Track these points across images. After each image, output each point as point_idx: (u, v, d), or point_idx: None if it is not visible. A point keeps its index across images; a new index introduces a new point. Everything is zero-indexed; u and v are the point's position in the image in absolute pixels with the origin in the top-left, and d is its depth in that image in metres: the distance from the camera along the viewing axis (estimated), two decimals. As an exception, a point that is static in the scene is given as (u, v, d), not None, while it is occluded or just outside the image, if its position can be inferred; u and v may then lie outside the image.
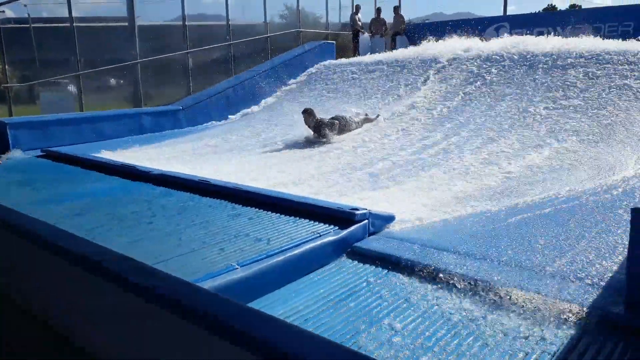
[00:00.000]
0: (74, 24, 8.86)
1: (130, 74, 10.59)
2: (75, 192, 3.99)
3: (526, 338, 1.91)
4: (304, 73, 11.31)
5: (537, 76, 7.79)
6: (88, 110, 9.49)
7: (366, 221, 2.88)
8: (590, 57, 7.84)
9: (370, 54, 12.59)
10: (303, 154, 6.44)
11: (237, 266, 2.26)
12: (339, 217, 2.83)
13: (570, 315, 1.98)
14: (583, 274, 2.22)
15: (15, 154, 6.36)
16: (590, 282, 2.14)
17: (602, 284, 2.12)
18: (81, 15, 9.80)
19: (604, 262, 2.33)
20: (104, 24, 12.72)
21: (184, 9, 10.39)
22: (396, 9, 15.10)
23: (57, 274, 1.80)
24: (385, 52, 12.61)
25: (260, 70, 10.87)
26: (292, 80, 11.06)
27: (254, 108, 10.20)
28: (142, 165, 4.64)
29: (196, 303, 1.28)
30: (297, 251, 2.49)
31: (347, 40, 14.76)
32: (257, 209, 3.15)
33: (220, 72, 11.38)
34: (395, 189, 4.47)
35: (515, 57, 8.54)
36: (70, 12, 8.75)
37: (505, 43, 9.32)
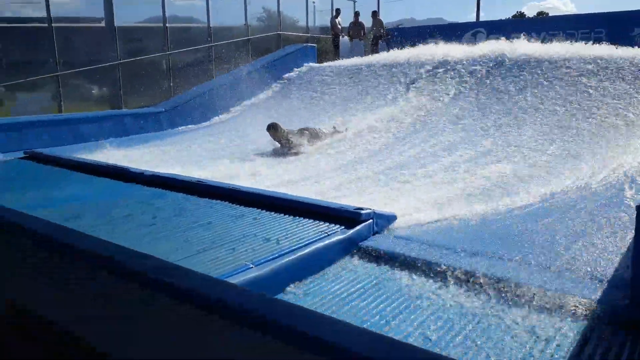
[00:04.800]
0: (52, 24, 8.62)
1: (108, 76, 10.39)
2: (65, 194, 3.89)
3: (537, 334, 1.96)
4: (286, 75, 11.30)
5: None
6: (67, 112, 9.25)
7: (371, 220, 2.90)
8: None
9: (350, 57, 12.67)
10: (275, 163, 6.22)
11: (251, 265, 2.25)
12: (345, 217, 2.85)
13: (581, 309, 2.05)
14: (590, 270, 2.29)
15: (-6, 156, 6.16)
16: (596, 278, 2.22)
17: (608, 279, 2.20)
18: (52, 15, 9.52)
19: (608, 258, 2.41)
20: (75, 25, 12.44)
21: (164, 11, 10.26)
22: (374, 14, 15.26)
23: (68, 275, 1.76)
24: (366, 56, 12.71)
25: (243, 72, 10.82)
26: (275, 83, 11.04)
27: (235, 110, 10.15)
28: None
29: (251, 305, 1.27)
30: (307, 250, 2.49)
31: (326, 43, 14.82)
32: (259, 210, 3.13)
33: (200, 74, 11.26)
34: (387, 190, 4.51)
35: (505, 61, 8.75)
36: (48, 11, 8.53)
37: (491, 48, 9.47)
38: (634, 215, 2.02)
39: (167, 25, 10.34)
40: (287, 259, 2.38)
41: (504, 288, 2.23)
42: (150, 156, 6.71)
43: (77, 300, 1.58)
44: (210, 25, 11.21)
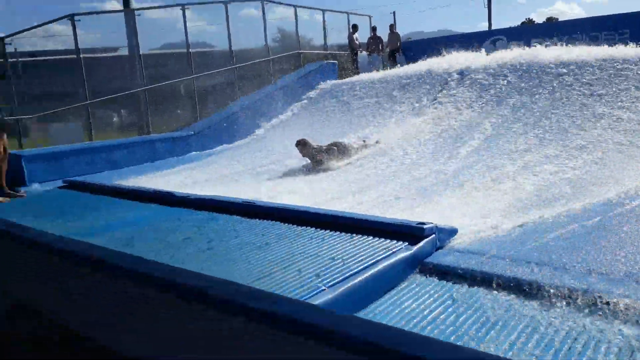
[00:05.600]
0: (80, 55, 8.82)
1: (134, 103, 10.57)
2: (114, 221, 3.90)
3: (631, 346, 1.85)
4: (309, 93, 11.36)
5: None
6: (97, 140, 9.40)
7: (434, 235, 2.83)
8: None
9: (369, 71, 12.69)
10: (309, 180, 6.20)
11: (324, 287, 2.19)
12: (407, 232, 2.78)
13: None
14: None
15: (33, 186, 6.25)
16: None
17: None
18: (67, 47, 9.71)
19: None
20: (99, 55, 12.76)
21: (187, 37, 10.42)
22: (391, 27, 15.37)
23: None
24: (384, 69, 12.72)
25: (267, 92, 10.90)
26: (298, 101, 11.09)
27: (262, 130, 10.19)
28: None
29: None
30: (376, 269, 2.43)
31: (344, 59, 14.86)
32: (314, 229, 3.08)
33: (224, 97, 11.38)
34: (432, 204, 4.43)
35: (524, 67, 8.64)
36: (76, 44, 8.73)
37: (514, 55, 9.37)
38: None
39: (190, 50, 10.48)
40: (358, 279, 2.31)
41: (592, 301, 2.13)
42: (184, 179, 6.75)
43: (184, 338, 1.53)
44: (232, 49, 11.34)
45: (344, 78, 12.31)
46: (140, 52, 9.64)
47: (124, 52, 11.74)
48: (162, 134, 9.20)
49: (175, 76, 10.95)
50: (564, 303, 2.18)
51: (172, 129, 9.94)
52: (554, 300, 2.23)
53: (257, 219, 3.46)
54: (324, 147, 6.84)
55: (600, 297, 2.15)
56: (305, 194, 5.04)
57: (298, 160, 6.84)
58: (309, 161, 6.83)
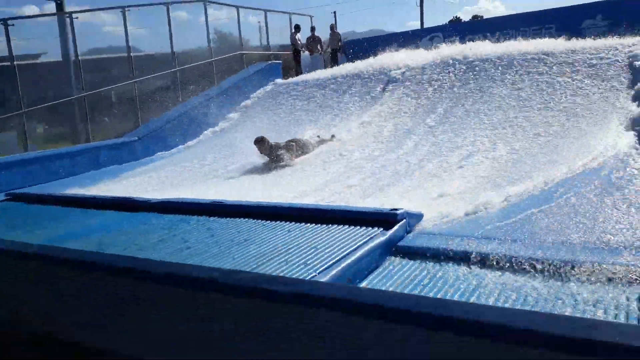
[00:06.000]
0: (14, 62, 8.36)
1: (71, 110, 10.12)
2: (76, 230, 3.77)
3: (595, 304, 2.09)
4: (255, 93, 11.36)
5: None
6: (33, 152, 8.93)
7: (405, 220, 2.99)
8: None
9: (312, 71, 12.85)
10: (269, 178, 6.28)
11: (315, 274, 2.29)
12: (382, 219, 2.93)
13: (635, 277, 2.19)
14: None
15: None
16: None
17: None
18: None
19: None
20: (34, 62, 12.12)
21: (127, 39, 10.12)
22: (332, 27, 15.61)
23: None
24: (325, 68, 12.93)
25: (212, 93, 10.79)
26: (245, 101, 11.07)
27: (209, 132, 10.09)
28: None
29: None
30: (358, 254, 2.54)
31: (287, 60, 14.94)
32: (291, 223, 3.16)
33: (168, 100, 11.13)
34: (392, 193, 4.63)
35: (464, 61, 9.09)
36: (10, 49, 8.26)
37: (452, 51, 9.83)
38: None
39: (131, 54, 10.19)
40: (344, 264, 2.42)
41: (549, 268, 2.36)
42: (135, 186, 6.59)
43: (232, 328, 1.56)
44: (174, 51, 11.12)
45: (288, 78, 12.40)
46: (80, 57, 9.24)
47: (46, 58, 11.25)
48: (105, 141, 8.89)
49: (114, 81, 10.59)
50: (527, 272, 2.41)
51: (115, 136, 9.62)
52: (517, 270, 2.44)
53: (229, 218, 3.49)
54: (282, 144, 6.91)
55: (554, 264, 2.38)
56: (268, 192, 5.10)
57: (254, 159, 6.87)
58: (267, 159, 6.87)
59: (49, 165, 7.66)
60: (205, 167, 7.38)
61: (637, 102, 6.18)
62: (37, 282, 1.93)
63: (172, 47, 10.93)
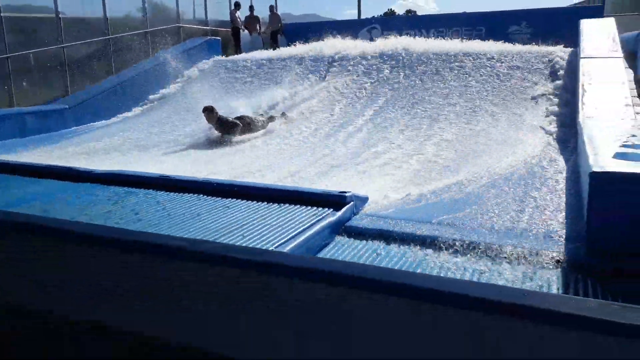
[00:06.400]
0: None
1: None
2: (11, 200, 3.62)
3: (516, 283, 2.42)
4: (193, 68, 11.11)
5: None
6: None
7: (352, 202, 3.20)
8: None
9: (251, 50, 12.75)
10: (215, 154, 6.34)
11: (272, 248, 2.43)
12: (332, 200, 3.11)
13: (547, 260, 2.55)
14: (546, 227, 2.82)
15: None
16: (555, 234, 2.76)
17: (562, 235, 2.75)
18: None
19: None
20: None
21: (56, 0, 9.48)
22: (271, 8, 15.45)
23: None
24: (266, 49, 12.88)
25: (149, 65, 10.42)
26: (181, 78, 10.80)
27: (144, 106, 9.79)
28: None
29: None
30: (310, 232, 2.71)
31: (225, 37, 14.66)
32: (244, 200, 3.25)
33: (97, 69, 10.59)
34: (337, 177, 4.85)
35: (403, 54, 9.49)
36: None
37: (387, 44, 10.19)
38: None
39: (60, 16, 9.57)
40: (297, 241, 2.58)
41: (483, 248, 2.67)
42: (69, 156, 6.33)
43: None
44: (108, 17, 10.58)
45: (228, 56, 12.22)
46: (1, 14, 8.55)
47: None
48: (32, 107, 8.35)
49: (38, 45, 9.87)
50: (461, 250, 2.71)
51: (42, 102, 9.05)
52: (453, 249, 2.74)
53: (179, 193, 3.51)
54: (231, 119, 6.93)
55: (488, 245, 2.70)
56: (214, 168, 5.13)
57: (196, 134, 6.83)
58: (214, 133, 6.87)
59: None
60: (140, 141, 7.20)
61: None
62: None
63: (104, 12, 10.38)
